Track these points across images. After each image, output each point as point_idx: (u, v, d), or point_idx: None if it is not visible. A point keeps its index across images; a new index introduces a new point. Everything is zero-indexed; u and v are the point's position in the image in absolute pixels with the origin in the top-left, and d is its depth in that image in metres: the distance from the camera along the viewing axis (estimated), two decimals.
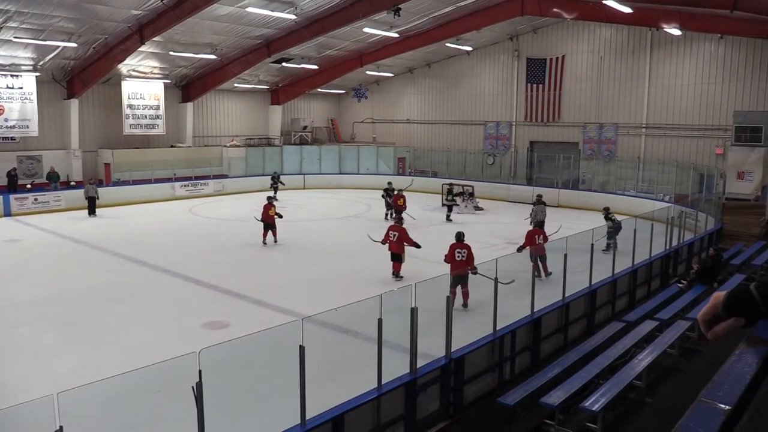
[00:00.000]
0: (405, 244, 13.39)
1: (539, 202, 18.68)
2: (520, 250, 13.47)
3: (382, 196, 22.14)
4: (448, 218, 21.77)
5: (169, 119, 29.83)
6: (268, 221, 17.37)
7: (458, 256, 11.38)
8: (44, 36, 21.17)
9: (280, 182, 27.50)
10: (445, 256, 11.61)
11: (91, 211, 22.54)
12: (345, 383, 7.47)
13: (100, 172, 27.59)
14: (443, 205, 23.36)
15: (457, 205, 23.30)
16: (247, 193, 28.21)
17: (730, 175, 21.31)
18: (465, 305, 11.08)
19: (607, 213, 16.27)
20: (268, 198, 18.36)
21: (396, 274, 13.55)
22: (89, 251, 17.12)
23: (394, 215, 20.01)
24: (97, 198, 22.83)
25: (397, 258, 13.33)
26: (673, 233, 15.24)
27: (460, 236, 11.76)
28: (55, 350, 9.96)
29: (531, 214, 18.01)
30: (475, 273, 10.26)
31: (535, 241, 13.47)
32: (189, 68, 28.68)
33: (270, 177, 27.81)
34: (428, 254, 14.30)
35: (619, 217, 16.35)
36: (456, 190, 23.70)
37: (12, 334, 10.58)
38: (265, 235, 17.49)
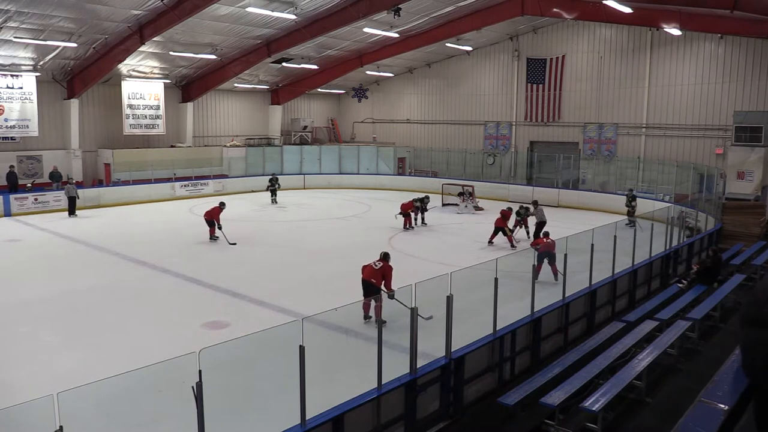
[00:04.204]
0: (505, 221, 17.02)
1: (536, 204, 19.04)
2: (534, 246, 13.52)
3: (416, 206, 21.03)
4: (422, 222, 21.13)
5: (169, 119, 29.83)
6: (214, 219, 17.87)
7: (374, 266, 10.80)
8: (44, 36, 21.16)
9: (278, 184, 27.27)
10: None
11: (71, 212, 22.47)
12: (345, 383, 7.47)
13: (100, 172, 27.62)
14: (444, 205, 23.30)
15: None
16: (248, 193, 28.18)
17: (730, 175, 21.29)
18: (376, 320, 9.00)
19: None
20: (221, 203, 18.46)
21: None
22: (89, 251, 17.12)
23: (424, 222, 20.97)
24: (77, 198, 22.78)
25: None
26: (673, 233, 15.25)
27: (385, 256, 11.11)
28: (55, 350, 9.95)
29: (523, 213, 18.61)
30: (392, 297, 9.17)
31: (543, 241, 13.64)
32: (189, 68, 28.68)
33: (269, 179, 27.08)
34: (428, 254, 14.36)
35: (618, 217, 16.35)
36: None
37: (12, 334, 10.58)
38: (212, 231, 17.95)
